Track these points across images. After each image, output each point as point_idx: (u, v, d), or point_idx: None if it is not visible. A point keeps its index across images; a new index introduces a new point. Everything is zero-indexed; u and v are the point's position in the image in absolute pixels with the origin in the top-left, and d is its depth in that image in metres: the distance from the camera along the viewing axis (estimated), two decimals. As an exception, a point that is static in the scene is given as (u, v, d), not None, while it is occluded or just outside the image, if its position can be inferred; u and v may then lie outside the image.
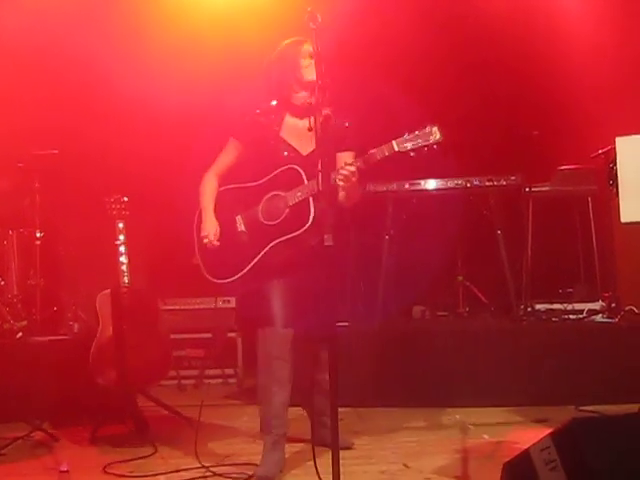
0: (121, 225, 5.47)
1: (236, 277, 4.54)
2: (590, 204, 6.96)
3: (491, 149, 7.08)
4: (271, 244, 4.45)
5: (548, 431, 3.09)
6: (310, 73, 4.23)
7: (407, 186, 6.65)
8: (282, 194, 4.44)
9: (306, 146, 4.46)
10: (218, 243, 4.58)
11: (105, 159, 6.82)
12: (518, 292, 6.56)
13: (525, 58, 7.08)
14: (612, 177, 6.07)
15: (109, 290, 5.49)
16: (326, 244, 3.62)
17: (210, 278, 4.68)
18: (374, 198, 6.69)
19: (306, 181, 4.36)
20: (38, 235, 6.72)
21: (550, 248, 6.97)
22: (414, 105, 6.29)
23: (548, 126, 6.93)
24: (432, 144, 4.11)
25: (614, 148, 5.84)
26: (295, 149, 4.56)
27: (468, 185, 6.59)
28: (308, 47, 4.35)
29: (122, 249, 5.47)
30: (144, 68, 6.72)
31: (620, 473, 2.80)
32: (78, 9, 6.83)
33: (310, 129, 3.97)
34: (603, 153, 6.27)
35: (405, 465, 4.53)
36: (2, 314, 6.28)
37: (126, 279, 5.46)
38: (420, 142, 4.12)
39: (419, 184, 6.65)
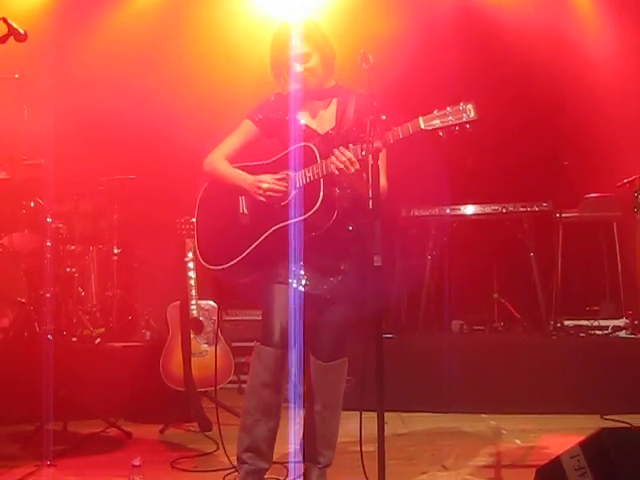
0: (190, 243, 5.52)
1: (228, 265, 3.79)
2: (615, 229, 6.90)
3: (526, 178, 7.05)
4: (272, 229, 3.69)
5: (576, 438, 3.07)
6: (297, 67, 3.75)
7: (448, 211, 6.64)
8: (292, 174, 3.72)
9: (324, 125, 3.87)
10: (285, 185, 3.75)
11: (177, 183, 6.89)
12: (548, 309, 6.53)
13: (558, 95, 7.05)
14: (637, 205, 6.04)
15: (178, 302, 5.55)
16: (375, 264, 3.26)
17: (203, 263, 3.94)
18: (418, 222, 6.72)
19: (319, 160, 3.63)
20: (115, 251, 6.84)
21: (578, 269, 6.96)
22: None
23: (578, 157, 6.97)
24: (465, 123, 3.34)
25: (638, 178, 5.78)
26: (312, 128, 3.86)
27: (504, 211, 6.55)
28: (296, 46, 3.74)
29: (191, 265, 5.52)
30: (212, 96, 6.80)
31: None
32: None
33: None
34: (628, 182, 6.27)
35: (443, 466, 4.52)
36: (83, 322, 6.39)
37: (194, 292, 5.51)
38: (451, 120, 3.35)
39: (459, 209, 6.65)
